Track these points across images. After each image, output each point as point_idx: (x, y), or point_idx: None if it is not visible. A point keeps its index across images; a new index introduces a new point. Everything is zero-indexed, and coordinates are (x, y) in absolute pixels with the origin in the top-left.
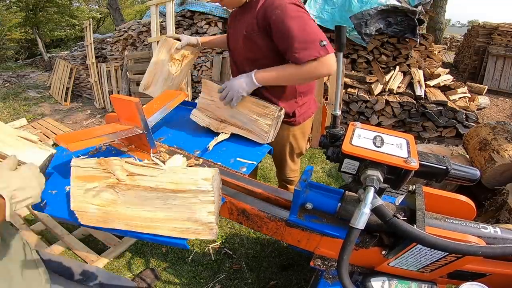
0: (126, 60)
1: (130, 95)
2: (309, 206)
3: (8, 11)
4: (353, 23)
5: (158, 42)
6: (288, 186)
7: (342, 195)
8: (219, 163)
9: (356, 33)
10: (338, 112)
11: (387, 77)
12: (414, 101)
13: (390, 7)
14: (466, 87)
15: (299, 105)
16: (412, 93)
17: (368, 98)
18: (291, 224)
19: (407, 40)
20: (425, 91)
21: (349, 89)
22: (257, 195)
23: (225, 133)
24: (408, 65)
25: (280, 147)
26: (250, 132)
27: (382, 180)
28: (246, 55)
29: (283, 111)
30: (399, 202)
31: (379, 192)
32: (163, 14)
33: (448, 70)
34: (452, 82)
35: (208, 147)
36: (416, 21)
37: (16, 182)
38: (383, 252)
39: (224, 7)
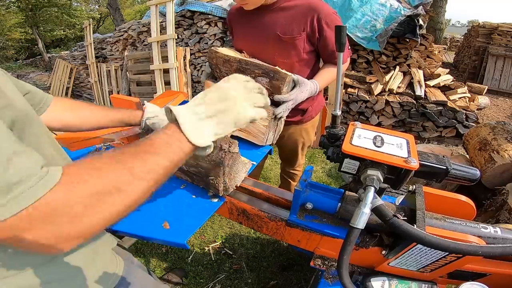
0: (126, 60)
1: (130, 95)
2: (309, 206)
3: (7, 11)
4: (378, 41)
5: (158, 42)
6: (292, 182)
7: (342, 195)
8: None
9: (356, 31)
10: (338, 112)
11: (387, 77)
12: (414, 101)
13: (405, 16)
14: (466, 87)
15: (314, 101)
16: (412, 93)
17: (368, 98)
18: (291, 224)
19: (407, 40)
20: (425, 91)
21: (349, 89)
22: (257, 195)
23: None
24: (408, 65)
25: (292, 142)
26: (249, 134)
27: (382, 180)
28: (277, 58)
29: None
30: (399, 202)
31: (379, 192)
32: (163, 14)
33: (448, 70)
34: (452, 82)
35: None
36: (416, 21)
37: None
38: (383, 252)
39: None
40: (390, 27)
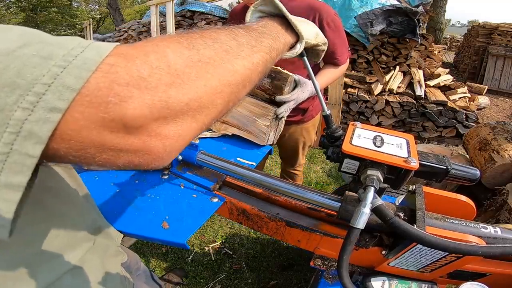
0: None
1: None
2: (180, 157)
3: (8, 11)
4: (358, 23)
5: None
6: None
7: (197, 147)
8: None
9: (358, 30)
10: (328, 112)
11: (387, 77)
12: (414, 101)
13: (394, 7)
14: (466, 87)
15: (314, 100)
16: (412, 93)
17: (368, 98)
18: (172, 176)
19: (407, 40)
20: (425, 91)
21: (349, 89)
22: (257, 195)
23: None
24: (408, 65)
25: (293, 141)
26: (250, 134)
27: (382, 180)
28: None
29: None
30: (399, 202)
31: (379, 192)
32: (163, 14)
33: (448, 70)
34: (452, 82)
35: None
36: (416, 21)
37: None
38: (383, 252)
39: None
40: (372, 12)
